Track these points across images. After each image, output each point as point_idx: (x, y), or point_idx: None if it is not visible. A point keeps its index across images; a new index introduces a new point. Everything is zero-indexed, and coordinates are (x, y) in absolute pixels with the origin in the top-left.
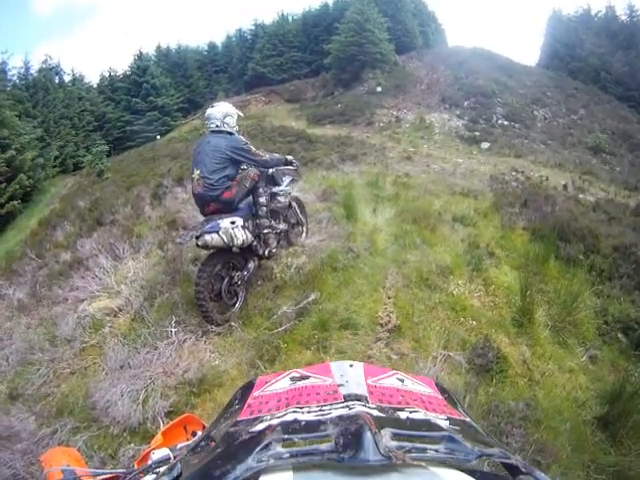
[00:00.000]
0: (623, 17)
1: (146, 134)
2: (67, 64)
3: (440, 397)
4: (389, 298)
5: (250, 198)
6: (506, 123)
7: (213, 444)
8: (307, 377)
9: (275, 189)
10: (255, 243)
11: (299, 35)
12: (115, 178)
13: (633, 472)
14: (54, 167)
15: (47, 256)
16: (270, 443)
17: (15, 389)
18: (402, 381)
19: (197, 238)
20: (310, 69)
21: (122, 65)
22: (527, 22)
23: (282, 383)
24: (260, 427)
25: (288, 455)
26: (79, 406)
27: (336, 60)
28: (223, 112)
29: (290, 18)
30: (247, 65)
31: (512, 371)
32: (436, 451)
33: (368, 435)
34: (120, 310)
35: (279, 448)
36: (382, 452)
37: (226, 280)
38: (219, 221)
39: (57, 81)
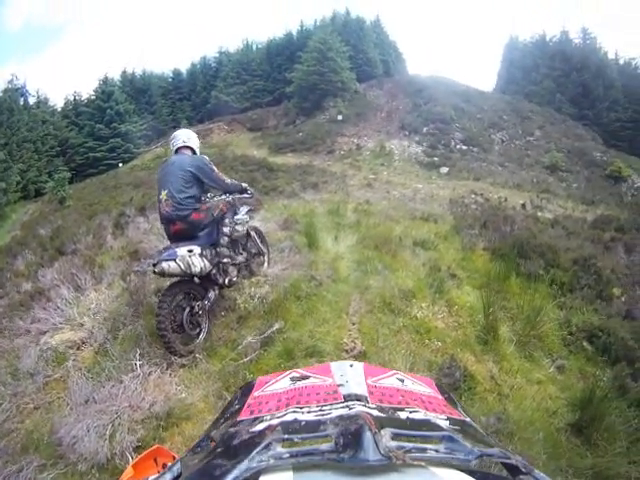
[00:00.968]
0: (577, 40)
1: (109, 161)
2: (33, 85)
3: (440, 397)
4: (353, 324)
5: (209, 228)
6: (464, 147)
7: (213, 444)
8: (307, 377)
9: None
10: (214, 272)
11: (263, 63)
12: (77, 206)
13: (612, 471)
14: (15, 192)
15: (8, 285)
16: (270, 443)
17: None
18: (402, 381)
19: (154, 266)
20: (273, 97)
21: (87, 89)
22: (484, 49)
23: (282, 383)
24: (260, 427)
25: (288, 455)
26: (44, 442)
27: (298, 88)
28: (187, 133)
29: (255, 47)
30: (210, 93)
31: (480, 387)
32: (436, 451)
33: (368, 435)
34: (83, 343)
35: (279, 448)
36: (382, 452)
37: (187, 310)
38: (176, 249)
39: (22, 102)
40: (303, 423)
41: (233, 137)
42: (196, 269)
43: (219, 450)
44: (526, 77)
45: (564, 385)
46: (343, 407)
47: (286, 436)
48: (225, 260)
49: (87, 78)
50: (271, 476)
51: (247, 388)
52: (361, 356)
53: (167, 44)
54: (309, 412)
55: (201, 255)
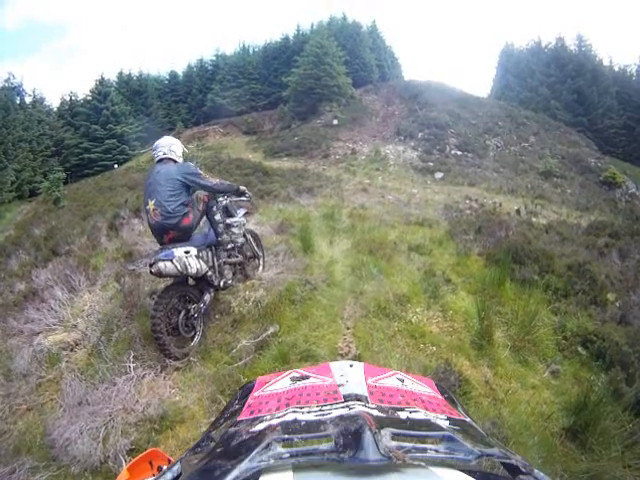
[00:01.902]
0: (572, 47)
1: (104, 162)
2: (29, 84)
3: (440, 397)
4: (348, 328)
5: (206, 229)
6: (459, 153)
7: (213, 444)
8: (307, 377)
9: (229, 220)
10: (210, 274)
11: (259, 67)
12: (71, 207)
13: (607, 476)
14: (10, 192)
15: (1, 285)
16: (270, 443)
17: None
18: (402, 381)
19: (151, 265)
20: (268, 101)
21: (84, 89)
22: (480, 55)
23: (282, 383)
24: (260, 427)
25: (288, 455)
26: (37, 444)
27: (294, 93)
28: (169, 142)
29: (251, 50)
30: (206, 96)
31: (475, 392)
32: (436, 451)
33: (368, 435)
34: (77, 344)
35: (279, 448)
36: (382, 452)
37: (182, 313)
38: (173, 250)
39: (18, 102)
40: (303, 423)
41: (228, 140)
42: (192, 270)
43: (219, 450)
44: (521, 83)
45: (559, 390)
46: (343, 407)
47: (286, 436)
48: (221, 261)
49: (83, 78)
50: (271, 476)
51: (247, 388)
52: (356, 360)
53: (164, 45)
54: (309, 412)
55: (197, 256)
